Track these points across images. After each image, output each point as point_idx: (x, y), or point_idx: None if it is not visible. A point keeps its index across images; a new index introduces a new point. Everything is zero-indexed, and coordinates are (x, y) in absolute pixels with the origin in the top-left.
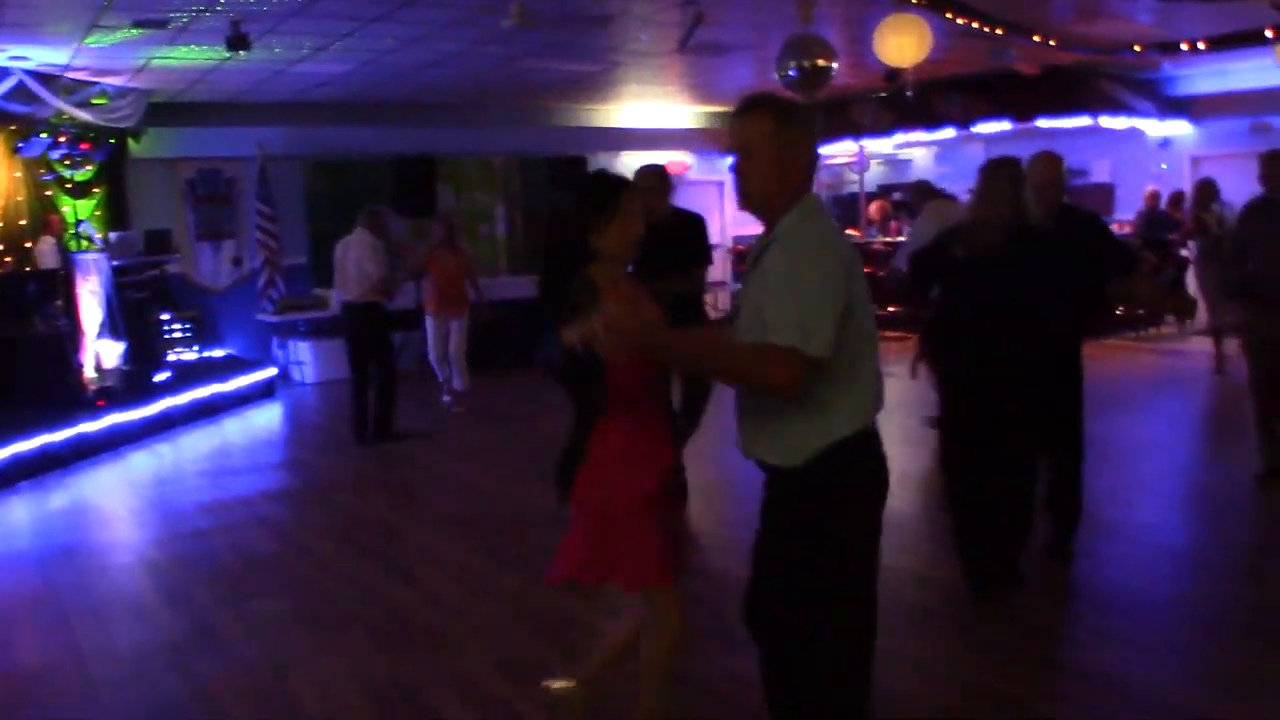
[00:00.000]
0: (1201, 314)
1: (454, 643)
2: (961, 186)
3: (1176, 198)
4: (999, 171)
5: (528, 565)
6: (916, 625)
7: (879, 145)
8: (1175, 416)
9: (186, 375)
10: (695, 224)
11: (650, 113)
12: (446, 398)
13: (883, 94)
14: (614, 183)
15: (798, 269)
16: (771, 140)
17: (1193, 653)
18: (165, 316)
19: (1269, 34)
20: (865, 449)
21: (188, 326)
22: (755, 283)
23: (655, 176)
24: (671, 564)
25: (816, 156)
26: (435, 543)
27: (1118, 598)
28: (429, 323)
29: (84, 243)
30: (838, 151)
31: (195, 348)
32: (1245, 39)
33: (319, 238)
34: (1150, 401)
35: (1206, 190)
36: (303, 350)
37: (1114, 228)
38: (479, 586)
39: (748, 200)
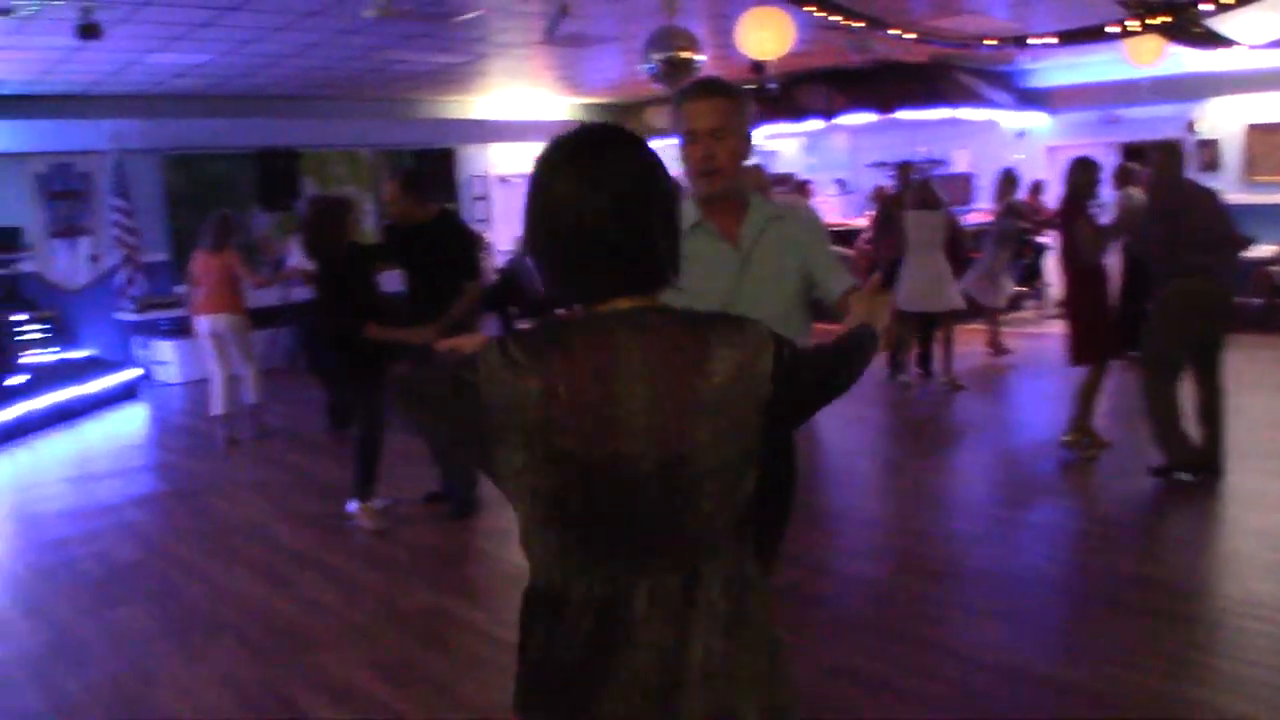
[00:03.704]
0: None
1: (325, 645)
2: (827, 176)
3: (1035, 187)
4: None
5: (396, 564)
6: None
7: None
8: (1032, 397)
9: (44, 378)
10: (456, 232)
11: (518, 104)
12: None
13: (749, 86)
14: None
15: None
16: (744, 123)
17: (1052, 623)
18: (20, 317)
19: (1112, 30)
20: None
21: (44, 327)
22: (766, 258)
23: (397, 188)
24: None
25: None
26: (303, 544)
27: (981, 574)
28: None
29: None
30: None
31: (53, 349)
32: (1092, 34)
33: (180, 234)
34: (1010, 383)
35: (1009, 180)
36: (165, 350)
37: (973, 216)
38: (349, 587)
39: (720, 179)
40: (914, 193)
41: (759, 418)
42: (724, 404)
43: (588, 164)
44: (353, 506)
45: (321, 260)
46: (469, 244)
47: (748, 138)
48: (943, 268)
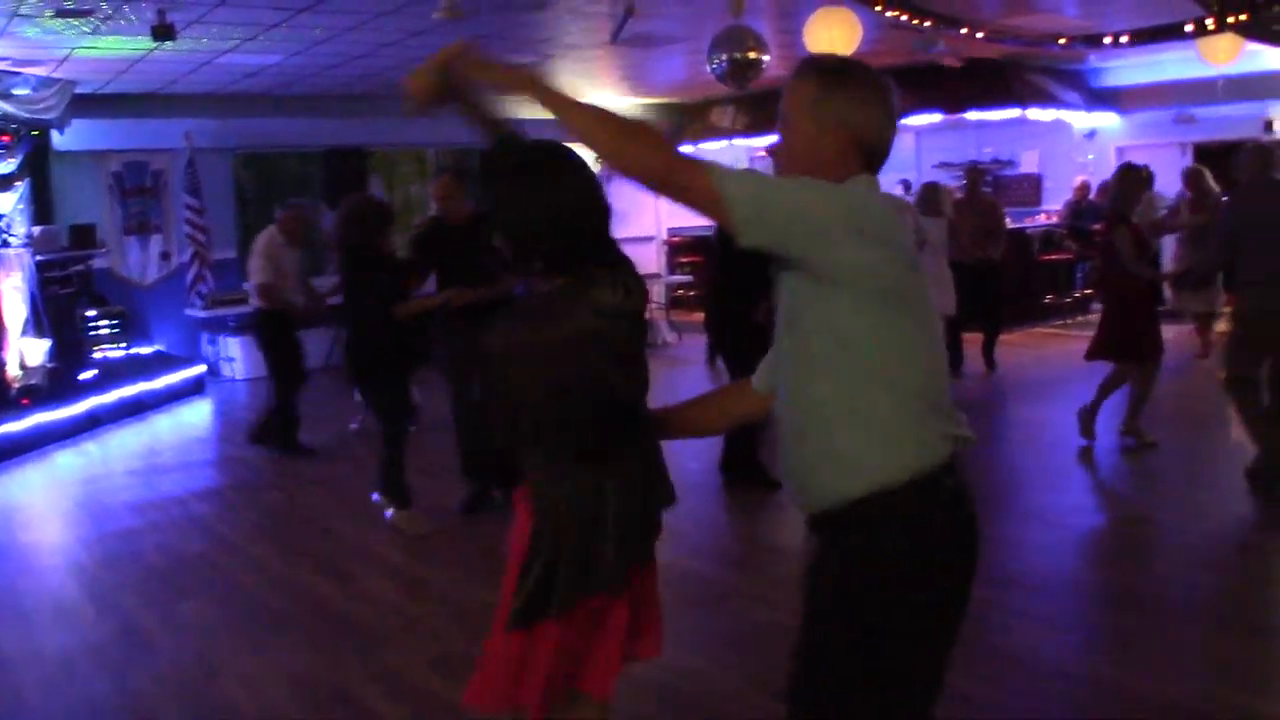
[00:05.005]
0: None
1: (387, 641)
2: (892, 177)
3: (1105, 188)
4: None
5: (459, 562)
6: None
7: None
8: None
9: (114, 372)
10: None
11: None
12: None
13: None
14: None
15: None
16: (812, 109)
17: (1109, 630)
18: (91, 313)
19: (1189, 28)
20: (921, 501)
21: (115, 323)
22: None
23: (452, 183)
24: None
25: (882, 133)
26: (367, 540)
27: (1039, 580)
28: None
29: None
30: (771, 143)
31: (122, 344)
32: (1167, 32)
33: (249, 232)
34: (1072, 388)
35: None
36: (233, 346)
37: (1041, 217)
38: (411, 584)
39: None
40: (919, 197)
41: None
42: (640, 314)
43: (567, 166)
44: (389, 514)
45: (351, 262)
46: None
47: (828, 123)
48: (938, 271)
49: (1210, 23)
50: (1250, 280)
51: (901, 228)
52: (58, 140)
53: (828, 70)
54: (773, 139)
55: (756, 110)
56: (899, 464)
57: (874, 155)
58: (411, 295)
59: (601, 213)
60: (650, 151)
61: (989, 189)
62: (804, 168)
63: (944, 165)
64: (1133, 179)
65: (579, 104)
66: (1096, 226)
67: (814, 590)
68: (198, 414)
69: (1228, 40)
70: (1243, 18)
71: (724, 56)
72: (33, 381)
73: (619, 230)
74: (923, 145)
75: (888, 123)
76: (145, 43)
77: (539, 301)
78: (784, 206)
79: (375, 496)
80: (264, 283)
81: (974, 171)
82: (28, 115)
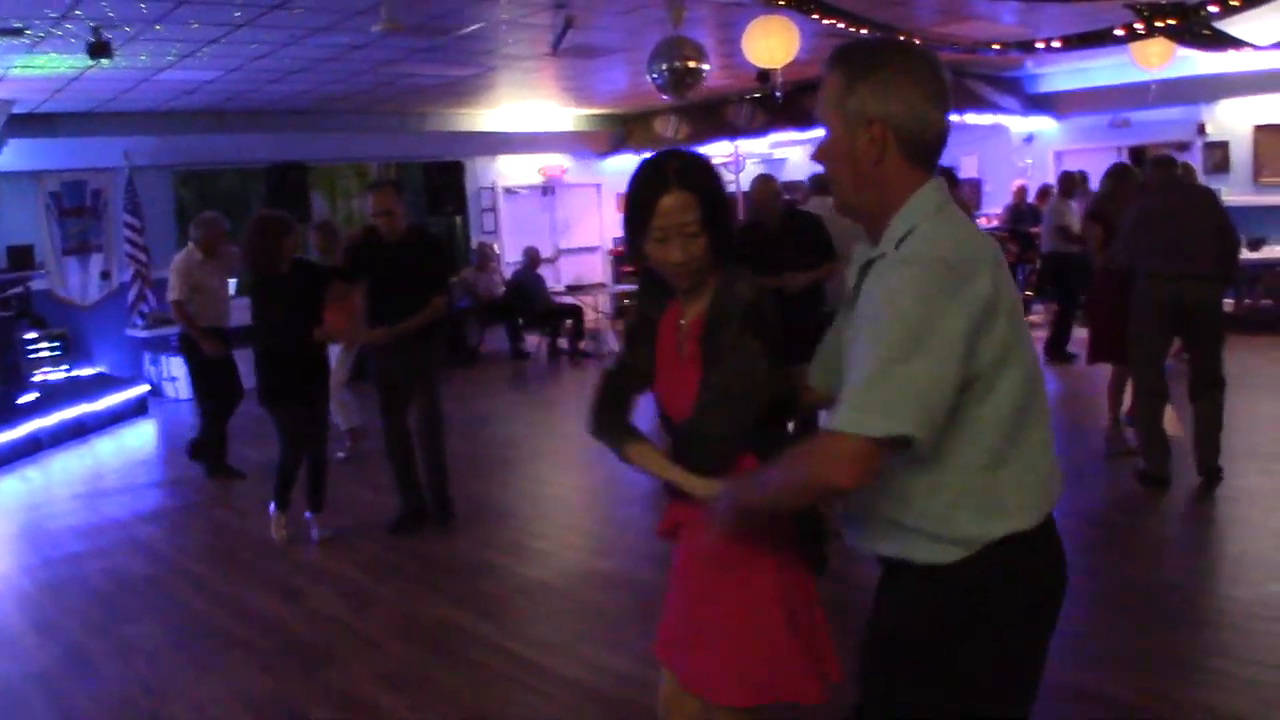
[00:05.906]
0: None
1: (336, 657)
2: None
3: (1044, 192)
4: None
5: (406, 575)
6: None
7: (754, 145)
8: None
9: (54, 395)
10: (433, 247)
11: (527, 116)
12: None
13: (755, 95)
14: None
15: (891, 310)
16: (838, 106)
17: (1064, 628)
18: (31, 335)
19: (1119, 32)
20: (1038, 548)
21: (55, 344)
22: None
23: (391, 196)
24: None
25: (926, 119)
26: (313, 557)
27: None
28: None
29: None
30: (713, 152)
31: (63, 366)
32: (1099, 37)
33: None
34: None
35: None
36: (175, 366)
37: (981, 221)
38: (359, 600)
39: (836, 200)
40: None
41: None
42: None
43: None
44: (274, 508)
45: (261, 279)
46: (440, 257)
47: (858, 120)
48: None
49: (1140, 27)
50: (1143, 272)
51: (985, 248)
52: None
53: (852, 57)
54: (713, 148)
55: (699, 119)
56: (989, 532)
57: (922, 149)
58: (331, 302)
59: None
60: (827, 465)
61: None
62: (845, 174)
63: None
64: (1118, 179)
65: (765, 489)
66: (1035, 229)
67: (887, 616)
68: (141, 435)
69: (1159, 45)
70: (1171, 22)
71: (663, 66)
72: None
73: (564, 240)
74: None
75: (931, 106)
76: (82, 60)
77: (755, 296)
78: (926, 380)
79: (308, 514)
80: (174, 300)
81: (945, 174)
82: None
